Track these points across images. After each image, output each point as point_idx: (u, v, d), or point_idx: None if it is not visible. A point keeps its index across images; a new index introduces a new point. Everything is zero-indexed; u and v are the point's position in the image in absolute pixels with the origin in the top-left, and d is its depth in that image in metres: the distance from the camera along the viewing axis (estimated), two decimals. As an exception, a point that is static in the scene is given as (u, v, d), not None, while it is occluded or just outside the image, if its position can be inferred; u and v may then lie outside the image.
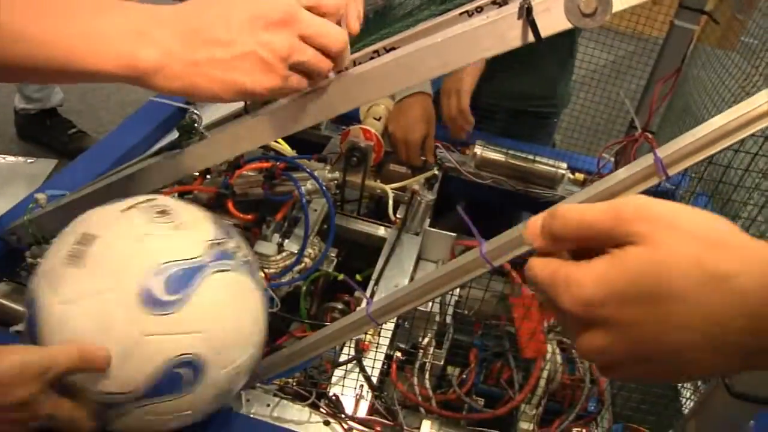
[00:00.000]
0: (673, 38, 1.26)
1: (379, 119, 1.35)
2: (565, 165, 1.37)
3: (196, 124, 0.75)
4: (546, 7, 0.60)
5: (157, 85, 0.59)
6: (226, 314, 0.66)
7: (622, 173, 0.59)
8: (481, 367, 1.08)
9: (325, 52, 0.64)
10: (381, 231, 1.25)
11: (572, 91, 1.66)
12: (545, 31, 0.61)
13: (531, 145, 1.45)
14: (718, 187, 1.00)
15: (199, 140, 0.76)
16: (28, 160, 2.35)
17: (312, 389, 0.90)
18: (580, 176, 1.39)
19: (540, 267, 0.41)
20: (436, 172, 1.28)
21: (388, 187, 1.27)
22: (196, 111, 0.75)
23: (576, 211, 0.40)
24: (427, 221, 1.24)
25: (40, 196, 0.96)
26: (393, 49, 0.68)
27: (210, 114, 0.77)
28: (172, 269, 0.62)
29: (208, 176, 1.16)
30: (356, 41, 0.84)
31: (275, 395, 0.89)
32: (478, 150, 1.39)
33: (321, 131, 1.48)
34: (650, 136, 1.24)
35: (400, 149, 1.35)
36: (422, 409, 0.98)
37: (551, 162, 1.37)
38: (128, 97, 2.95)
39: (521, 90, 1.58)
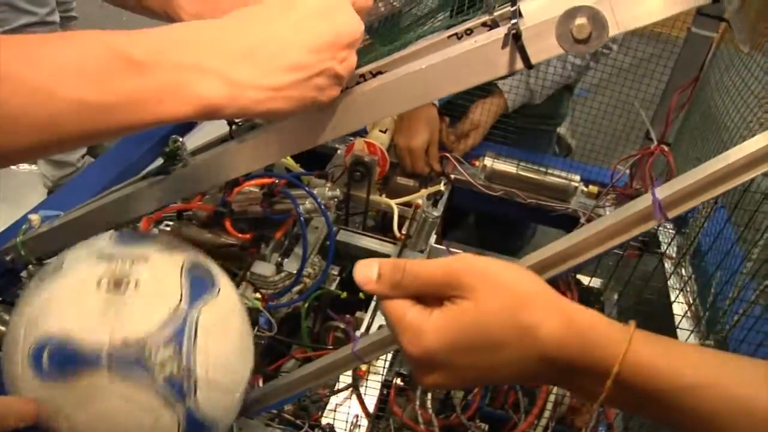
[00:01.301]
0: (690, 45, 1.21)
1: (385, 131, 1.32)
2: (578, 177, 1.33)
3: (179, 151, 0.73)
4: (536, 32, 0.56)
5: (232, 114, 0.55)
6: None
7: (619, 214, 0.55)
8: (486, 390, 1.05)
9: None
10: (385, 247, 1.22)
11: (590, 95, 1.60)
12: (536, 57, 0.57)
13: (543, 156, 1.40)
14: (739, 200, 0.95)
15: (183, 167, 0.73)
16: (33, 168, 2.35)
17: (305, 419, 0.87)
18: (593, 189, 1.34)
19: (389, 310, 0.48)
20: (442, 187, 1.25)
21: (393, 202, 1.24)
22: (179, 138, 0.73)
23: (417, 267, 0.48)
24: (433, 237, 1.20)
25: (34, 217, 0.95)
26: (380, 73, 0.65)
27: (194, 140, 0.75)
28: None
29: (208, 193, 1.13)
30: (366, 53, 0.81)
31: (267, 425, 0.87)
32: (488, 162, 1.35)
33: (327, 143, 1.45)
34: (666, 148, 1.19)
35: (404, 158, 1.32)
36: (423, 437, 0.95)
37: (564, 174, 1.33)
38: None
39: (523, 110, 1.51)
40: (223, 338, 0.68)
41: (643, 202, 0.55)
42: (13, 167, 2.33)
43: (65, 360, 0.60)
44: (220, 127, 0.85)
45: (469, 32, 0.62)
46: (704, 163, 0.52)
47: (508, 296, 0.46)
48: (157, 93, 0.49)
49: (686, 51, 1.18)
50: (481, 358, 0.46)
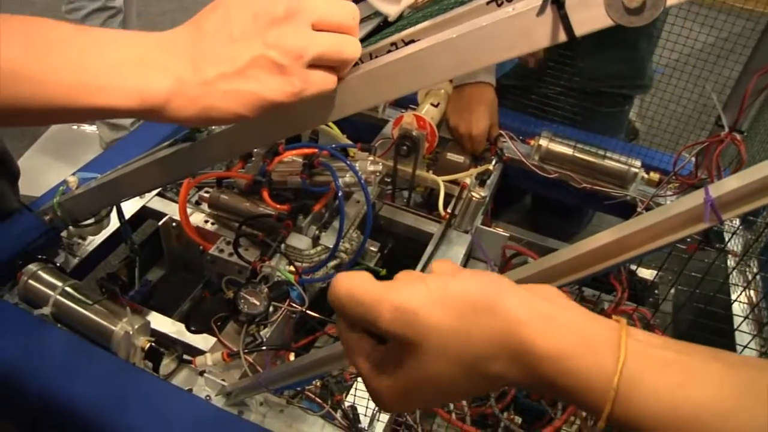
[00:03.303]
0: (776, 24, 1.11)
1: (437, 105, 1.27)
2: (638, 163, 1.25)
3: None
4: (582, -1, 0.51)
5: (171, 115, 0.53)
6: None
7: (665, 212, 0.49)
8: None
9: (343, 32, 0.57)
10: (429, 226, 1.18)
11: (661, 76, 1.49)
12: (580, 29, 0.51)
13: (603, 138, 1.32)
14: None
15: (207, 135, 0.71)
16: (95, 129, 2.39)
17: (327, 399, 0.85)
18: (655, 176, 1.26)
19: (348, 350, 0.45)
20: (491, 167, 1.19)
21: (440, 179, 1.19)
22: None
23: (344, 293, 0.41)
24: (480, 218, 1.15)
25: (71, 179, 0.95)
26: (412, 41, 0.60)
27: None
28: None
29: (252, 159, 1.11)
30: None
31: (289, 402, 0.85)
32: (544, 142, 1.28)
33: (377, 114, 1.41)
34: (738, 137, 1.10)
35: (464, 142, 1.27)
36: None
37: (623, 159, 1.25)
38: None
39: (603, 69, 1.39)
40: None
41: (694, 199, 0.49)
42: (74, 126, 2.39)
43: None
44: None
45: (511, -1, 0.57)
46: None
47: (458, 347, 0.40)
48: (97, 76, 0.49)
49: (769, 31, 1.08)
50: (443, 399, 0.45)
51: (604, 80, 1.41)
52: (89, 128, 2.37)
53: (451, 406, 0.92)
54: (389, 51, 0.61)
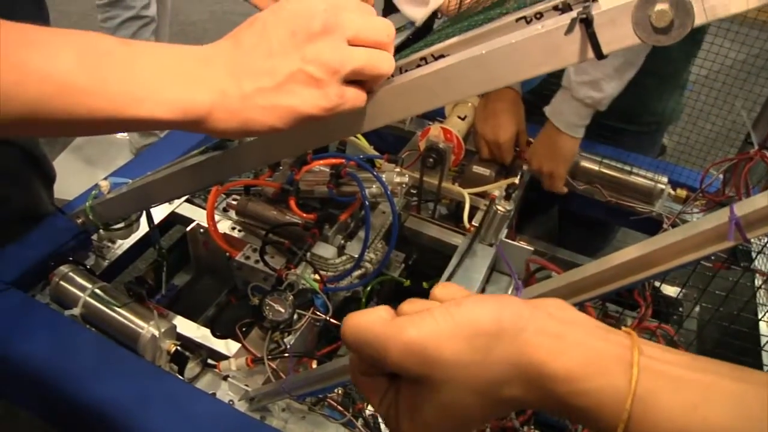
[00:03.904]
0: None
1: (464, 118, 1.28)
2: (665, 179, 1.24)
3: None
4: (610, 18, 0.51)
5: (212, 127, 0.54)
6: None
7: (690, 229, 0.49)
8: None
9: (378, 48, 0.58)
10: (454, 238, 1.18)
11: (689, 93, 1.47)
12: (608, 47, 0.52)
13: (630, 154, 1.31)
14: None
15: (238, 144, 0.72)
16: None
17: (349, 407, 0.85)
18: (682, 193, 1.25)
19: (367, 395, 0.45)
20: (517, 181, 1.19)
21: (465, 192, 1.19)
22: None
23: (352, 331, 0.41)
24: (504, 231, 1.15)
25: (103, 184, 0.97)
26: (442, 56, 0.61)
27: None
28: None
29: (279, 169, 1.13)
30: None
31: (311, 409, 0.86)
32: (573, 159, 1.28)
33: (404, 126, 1.42)
34: (768, 154, 1.09)
35: (492, 150, 1.27)
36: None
37: (650, 175, 1.24)
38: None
39: (616, 107, 1.30)
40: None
41: (720, 217, 0.49)
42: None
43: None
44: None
45: (539, 16, 0.57)
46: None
47: (471, 379, 0.40)
48: (142, 88, 0.50)
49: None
50: (464, 422, 0.42)
51: (607, 115, 1.36)
52: (119, 134, 2.42)
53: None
54: (419, 65, 0.62)
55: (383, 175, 1.01)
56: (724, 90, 1.24)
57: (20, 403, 1.00)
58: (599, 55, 0.52)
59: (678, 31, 0.51)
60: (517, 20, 0.58)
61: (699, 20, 0.51)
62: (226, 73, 0.54)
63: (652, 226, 1.25)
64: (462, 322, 0.40)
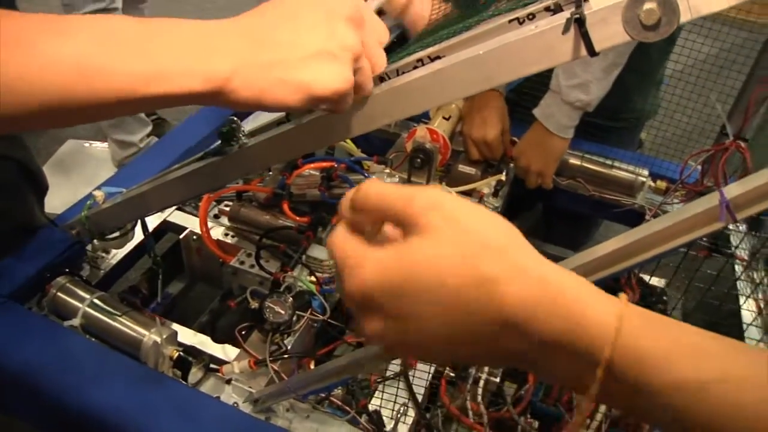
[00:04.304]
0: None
1: (448, 119, 1.30)
2: (646, 172, 1.28)
3: (236, 132, 0.73)
4: (601, 17, 0.54)
5: (232, 98, 0.54)
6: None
7: (682, 213, 0.52)
8: (540, 385, 1.03)
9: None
10: (443, 236, 1.20)
11: (665, 87, 1.51)
12: (600, 45, 0.55)
13: (610, 149, 1.35)
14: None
15: (240, 148, 0.74)
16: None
17: (352, 404, 0.87)
18: (662, 184, 1.29)
19: (338, 243, 0.42)
20: (503, 177, 1.22)
21: (453, 191, 1.22)
22: (236, 119, 0.73)
23: (377, 188, 0.41)
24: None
25: (98, 194, 0.98)
26: (438, 57, 0.63)
27: (252, 123, 0.75)
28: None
29: (268, 175, 1.14)
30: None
31: (315, 408, 0.87)
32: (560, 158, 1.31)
33: (390, 128, 1.44)
34: (743, 145, 1.13)
35: (480, 149, 1.30)
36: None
37: (631, 168, 1.28)
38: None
39: (599, 105, 1.31)
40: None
41: (710, 201, 0.52)
42: (85, 144, 2.43)
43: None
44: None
45: (532, 17, 0.60)
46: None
47: (469, 242, 0.38)
48: (162, 66, 0.50)
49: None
50: (431, 310, 0.38)
51: (590, 113, 1.38)
52: (100, 146, 2.41)
53: (470, 413, 0.94)
54: (416, 67, 0.64)
55: (374, 176, 1.03)
56: (698, 84, 1.28)
57: (19, 415, 1.00)
58: (591, 53, 0.55)
59: (665, 28, 0.54)
60: (510, 21, 0.60)
61: (684, 18, 0.54)
62: (245, 43, 0.54)
63: (634, 218, 1.28)
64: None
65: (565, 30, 0.53)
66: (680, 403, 0.36)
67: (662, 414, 0.37)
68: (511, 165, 1.32)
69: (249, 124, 0.78)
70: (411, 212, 0.39)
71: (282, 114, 0.73)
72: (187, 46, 0.52)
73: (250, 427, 0.82)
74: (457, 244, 0.38)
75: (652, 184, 1.30)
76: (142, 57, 0.50)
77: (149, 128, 2.43)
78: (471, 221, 0.39)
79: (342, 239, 0.42)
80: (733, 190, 0.52)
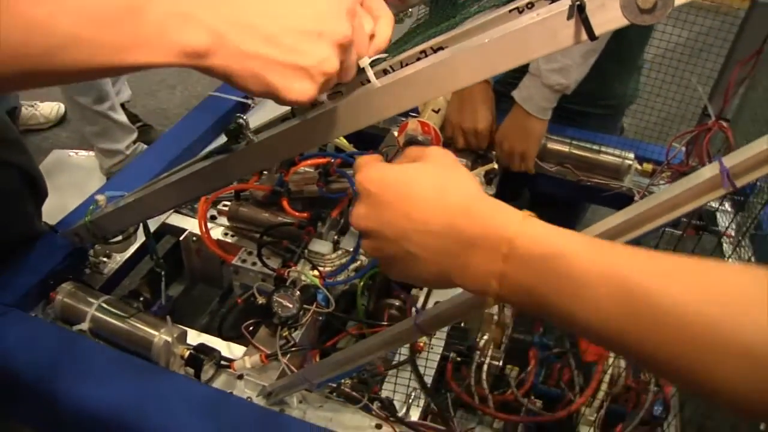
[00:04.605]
0: (755, 16, 1.18)
1: (437, 111, 1.32)
2: (632, 155, 1.31)
3: (243, 129, 0.75)
4: (601, 3, 0.56)
5: (208, 71, 0.54)
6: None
7: (685, 183, 0.55)
8: (541, 367, 1.05)
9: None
10: (438, 226, 1.23)
11: (646, 72, 1.54)
12: (600, 29, 0.57)
13: (596, 134, 1.38)
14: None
15: (247, 144, 0.75)
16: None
17: (364, 392, 0.89)
18: (648, 167, 1.33)
19: (361, 158, 0.59)
20: (496, 166, 1.24)
21: (446, 181, 1.24)
22: (242, 116, 0.75)
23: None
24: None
25: (100, 198, 0.98)
26: (441, 49, 0.65)
27: (257, 118, 0.77)
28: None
29: (265, 173, 1.16)
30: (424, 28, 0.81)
31: (327, 398, 0.89)
32: (542, 139, 1.34)
33: (379, 123, 1.46)
34: (725, 124, 1.16)
35: (468, 139, 1.33)
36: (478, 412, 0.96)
37: (617, 152, 1.32)
38: (194, 90, 2.99)
39: (581, 91, 1.34)
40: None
41: (710, 171, 0.55)
42: (70, 154, 2.41)
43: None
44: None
45: (531, 6, 0.62)
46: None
47: (442, 175, 0.53)
48: (146, 37, 0.50)
49: (750, 22, 1.16)
50: (402, 204, 0.52)
51: (572, 99, 1.42)
52: (85, 155, 2.40)
53: (475, 397, 0.97)
54: (419, 58, 0.66)
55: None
56: (679, 68, 1.32)
57: (31, 423, 1.01)
58: (592, 37, 0.58)
59: (661, 11, 0.56)
60: (510, 11, 0.62)
61: (678, 0, 0.56)
62: (231, 22, 0.54)
63: (622, 201, 1.32)
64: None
65: (570, 16, 0.55)
66: (581, 292, 0.44)
67: (564, 306, 0.45)
68: (493, 152, 1.35)
69: (252, 121, 0.79)
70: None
71: (287, 109, 0.74)
72: (164, 13, 0.51)
73: (269, 418, 0.84)
74: (435, 169, 0.54)
75: (639, 167, 1.34)
76: (124, 29, 0.50)
77: (135, 135, 2.42)
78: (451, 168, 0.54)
79: (365, 158, 0.59)
80: (729, 160, 0.55)
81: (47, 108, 2.77)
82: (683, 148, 1.25)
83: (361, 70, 0.62)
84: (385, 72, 0.67)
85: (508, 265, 0.47)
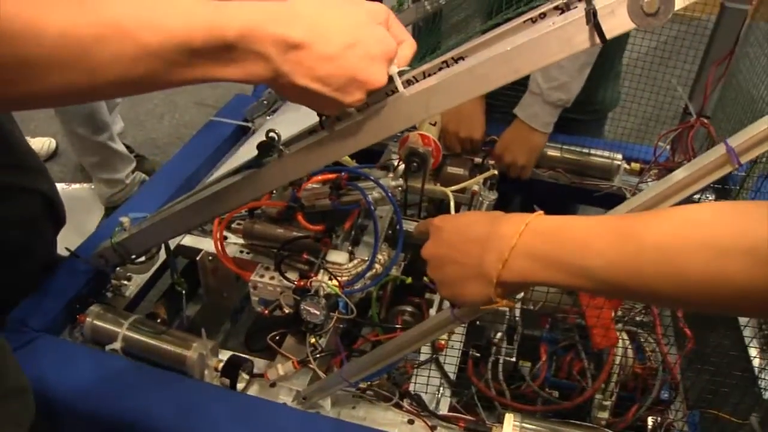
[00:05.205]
0: (726, 20, 1.26)
1: (434, 124, 1.38)
2: (620, 156, 1.38)
3: (275, 142, 0.79)
4: (610, 9, 0.62)
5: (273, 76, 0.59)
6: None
7: (693, 165, 0.61)
8: (551, 361, 1.10)
9: None
10: (444, 233, 1.28)
11: (625, 75, 1.62)
12: (610, 33, 0.63)
13: (581, 138, 1.46)
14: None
15: (279, 157, 0.80)
16: (91, 186, 2.43)
17: (395, 389, 0.93)
18: (636, 166, 1.40)
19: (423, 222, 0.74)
20: (495, 172, 1.31)
21: (448, 190, 1.30)
22: (275, 130, 0.79)
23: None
24: (489, 220, 1.26)
25: (125, 219, 1.02)
26: (461, 59, 0.71)
27: (285, 130, 0.81)
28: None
29: (275, 191, 1.20)
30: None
31: (360, 397, 0.93)
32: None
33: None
34: (706, 121, 1.24)
35: (464, 146, 1.39)
36: (498, 404, 1.01)
37: (606, 154, 1.38)
38: (182, 119, 3.02)
39: None
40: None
41: (716, 152, 0.62)
42: (65, 186, 2.42)
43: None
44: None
45: (543, 16, 0.68)
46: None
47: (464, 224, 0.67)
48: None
49: (721, 25, 1.24)
50: (455, 235, 0.64)
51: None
52: (79, 186, 2.41)
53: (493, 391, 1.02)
54: (441, 68, 0.72)
55: (380, 180, 1.10)
56: (651, 74, 1.40)
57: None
58: (603, 40, 0.64)
59: (664, 15, 0.63)
60: (524, 22, 0.68)
61: (678, 5, 0.63)
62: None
63: (613, 200, 1.38)
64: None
65: (588, 20, 0.61)
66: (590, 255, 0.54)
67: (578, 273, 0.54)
68: (491, 162, 1.41)
69: (268, 124, 0.83)
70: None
71: (315, 122, 0.79)
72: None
73: (310, 421, 0.87)
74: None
75: (627, 166, 1.41)
76: (171, 12, 0.51)
77: (133, 164, 2.45)
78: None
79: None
80: (733, 141, 0.62)
81: (38, 143, 2.77)
82: (668, 147, 1.32)
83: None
84: (409, 82, 0.72)
85: (526, 237, 0.57)
